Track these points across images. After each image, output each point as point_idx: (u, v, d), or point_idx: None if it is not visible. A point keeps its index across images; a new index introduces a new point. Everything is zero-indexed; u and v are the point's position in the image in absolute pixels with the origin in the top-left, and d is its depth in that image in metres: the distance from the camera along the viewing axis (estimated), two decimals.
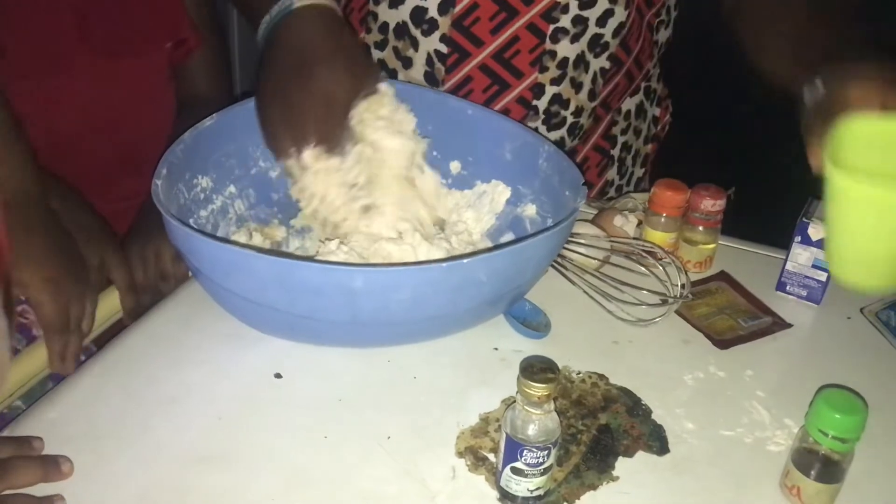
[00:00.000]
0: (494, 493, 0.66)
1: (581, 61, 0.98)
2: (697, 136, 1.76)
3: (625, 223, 0.93)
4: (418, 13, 0.97)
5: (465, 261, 0.69)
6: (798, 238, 0.87)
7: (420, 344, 0.80)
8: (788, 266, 0.89)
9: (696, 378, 0.79)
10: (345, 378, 0.77)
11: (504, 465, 0.64)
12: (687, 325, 0.85)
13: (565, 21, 0.95)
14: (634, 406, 0.75)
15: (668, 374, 0.79)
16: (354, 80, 0.82)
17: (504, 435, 0.64)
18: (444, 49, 0.98)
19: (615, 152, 1.12)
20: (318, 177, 0.82)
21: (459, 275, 0.70)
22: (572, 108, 1.01)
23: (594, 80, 1.00)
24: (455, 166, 0.95)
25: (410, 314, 0.72)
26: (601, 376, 0.78)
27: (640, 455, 0.70)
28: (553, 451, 0.63)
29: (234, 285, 0.73)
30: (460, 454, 0.69)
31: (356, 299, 0.69)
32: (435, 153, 0.95)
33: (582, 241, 0.90)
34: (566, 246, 0.90)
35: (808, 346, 0.83)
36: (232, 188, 0.89)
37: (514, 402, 0.63)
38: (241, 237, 0.87)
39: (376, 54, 1.03)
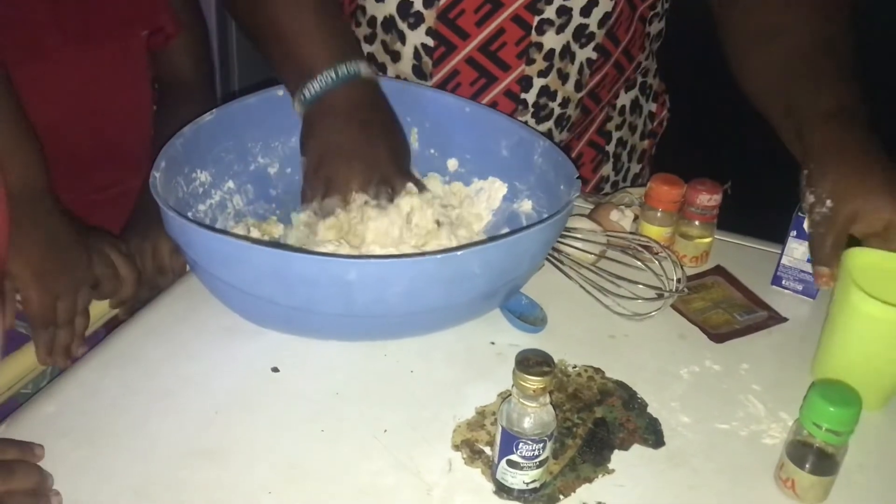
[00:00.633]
0: (490, 486, 0.66)
1: (567, 52, 0.98)
2: (694, 131, 1.77)
3: (621, 218, 0.93)
4: (404, 7, 0.98)
5: (458, 253, 0.69)
6: (794, 233, 0.87)
7: (417, 338, 0.80)
8: (784, 260, 0.89)
9: (692, 372, 0.79)
10: (342, 372, 0.77)
11: (500, 458, 0.64)
12: (683, 319, 0.86)
13: (550, 12, 0.96)
14: (630, 399, 0.75)
15: (663, 368, 0.79)
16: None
17: (500, 428, 0.64)
18: (430, 42, 0.98)
19: (610, 148, 1.12)
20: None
21: (454, 267, 0.70)
22: (559, 99, 1.01)
23: (580, 71, 1.00)
24: (453, 164, 0.96)
25: (406, 307, 0.72)
26: (597, 370, 0.78)
27: (636, 448, 0.71)
28: (549, 444, 0.64)
29: (230, 277, 0.73)
30: (457, 447, 0.70)
31: (351, 291, 0.69)
32: (433, 151, 0.95)
33: (578, 235, 0.90)
34: (562, 240, 0.90)
35: (803, 341, 0.83)
36: (231, 183, 0.89)
37: (510, 395, 0.64)
38: (239, 232, 0.87)
39: (366, 48, 1.03)
